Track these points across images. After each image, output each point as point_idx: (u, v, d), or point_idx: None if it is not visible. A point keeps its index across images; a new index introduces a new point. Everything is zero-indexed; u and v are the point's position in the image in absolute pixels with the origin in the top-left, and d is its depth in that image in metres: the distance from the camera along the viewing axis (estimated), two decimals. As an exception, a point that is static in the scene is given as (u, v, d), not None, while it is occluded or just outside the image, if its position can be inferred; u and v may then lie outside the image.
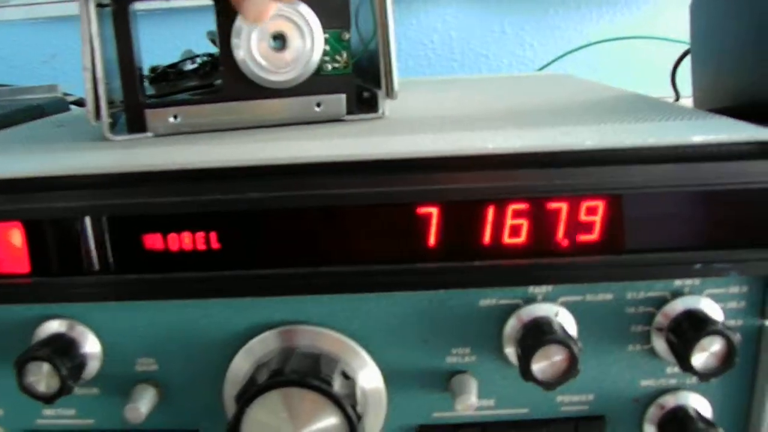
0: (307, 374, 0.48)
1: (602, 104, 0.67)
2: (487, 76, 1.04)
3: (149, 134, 0.59)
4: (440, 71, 1.41)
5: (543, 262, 0.49)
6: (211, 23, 0.60)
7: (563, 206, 0.48)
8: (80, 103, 1.04)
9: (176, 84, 0.71)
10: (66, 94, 1.05)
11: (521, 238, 0.49)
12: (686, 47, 0.88)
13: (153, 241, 0.49)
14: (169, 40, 0.74)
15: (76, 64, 0.59)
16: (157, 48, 0.71)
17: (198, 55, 0.77)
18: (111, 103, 0.59)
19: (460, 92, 0.85)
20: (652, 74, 1.05)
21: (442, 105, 0.74)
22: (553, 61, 1.24)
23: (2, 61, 1.40)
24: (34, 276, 0.50)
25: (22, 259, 0.50)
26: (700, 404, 0.53)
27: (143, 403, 0.52)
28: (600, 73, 1.13)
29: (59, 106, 0.95)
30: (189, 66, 0.76)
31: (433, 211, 0.48)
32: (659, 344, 0.51)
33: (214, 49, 0.74)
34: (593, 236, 0.49)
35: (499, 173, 0.48)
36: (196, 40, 0.78)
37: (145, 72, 0.69)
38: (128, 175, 0.49)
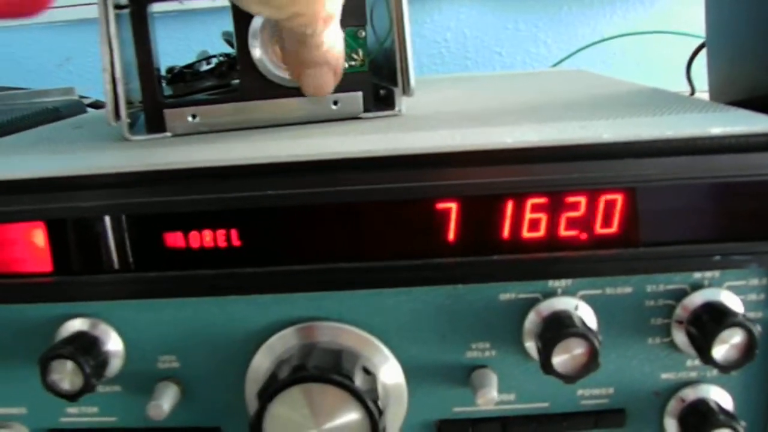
0: (328, 370, 0.48)
1: (617, 98, 0.67)
2: (501, 73, 1.04)
3: (168, 134, 0.60)
4: (454, 69, 1.41)
5: (562, 256, 0.49)
6: (224, 24, 0.61)
7: (582, 200, 0.49)
8: (96, 105, 1.05)
9: (193, 84, 0.72)
10: (82, 97, 1.05)
11: (540, 232, 0.49)
12: (700, 41, 0.88)
13: (174, 239, 0.50)
14: (183, 42, 0.74)
15: (91, 67, 0.59)
16: (172, 50, 0.72)
17: (213, 56, 0.77)
18: (129, 103, 0.59)
19: (474, 89, 0.86)
20: (666, 70, 1.05)
21: (458, 101, 0.74)
22: (567, 57, 1.24)
23: (18, 65, 1.41)
24: (57, 275, 0.51)
25: (45, 258, 0.50)
26: (721, 397, 0.53)
27: (165, 401, 0.52)
28: (614, 70, 1.13)
29: (76, 108, 0.96)
30: (205, 67, 0.77)
31: (452, 206, 0.49)
32: (679, 337, 0.51)
33: (229, 50, 0.75)
34: (612, 229, 0.49)
35: (518, 167, 0.48)
36: (210, 42, 0.79)
37: (162, 73, 0.70)
38: (149, 173, 0.49)
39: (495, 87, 0.87)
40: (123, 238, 0.50)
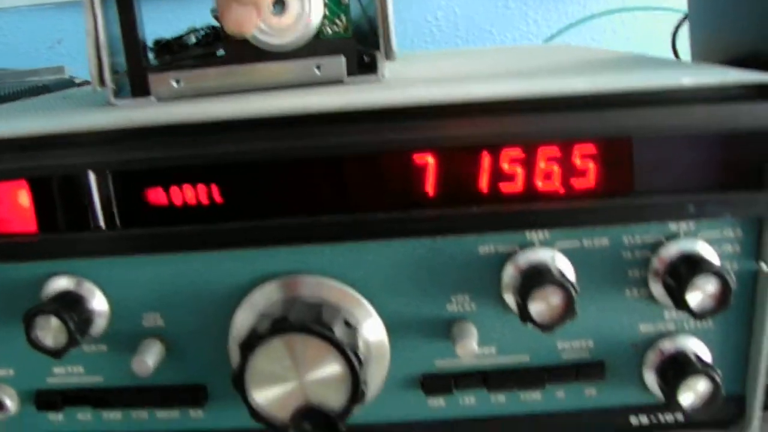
0: (308, 321, 0.48)
1: (601, 63, 0.68)
2: (489, 48, 1.05)
3: (152, 99, 0.60)
4: (445, 47, 1.41)
5: (538, 207, 0.50)
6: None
7: (556, 151, 0.49)
8: (86, 84, 1.05)
9: (180, 55, 0.72)
10: (72, 77, 1.06)
11: (517, 184, 0.50)
12: (683, 15, 0.89)
13: (156, 195, 0.50)
14: (173, 22, 0.75)
15: (82, 49, 0.60)
16: (162, 30, 0.72)
17: (200, 28, 0.78)
18: (116, 72, 0.60)
19: (461, 62, 0.86)
20: (654, 45, 1.05)
21: (443, 70, 0.74)
22: (556, 34, 1.24)
23: (8, 47, 1.41)
24: (41, 233, 0.51)
25: (29, 216, 0.51)
26: (698, 348, 0.54)
27: (150, 356, 0.53)
28: (603, 46, 1.13)
29: (66, 86, 0.96)
30: (192, 40, 0.77)
31: (430, 158, 0.49)
32: (656, 289, 0.52)
33: (217, 24, 0.75)
34: (588, 180, 0.50)
35: (492, 119, 0.49)
36: (200, 22, 0.79)
37: (149, 45, 0.70)
38: (130, 130, 0.50)
39: (481, 59, 0.87)
40: (106, 196, 0.51)
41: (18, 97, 0.83)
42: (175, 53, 0.73)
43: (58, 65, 1.05)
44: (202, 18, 0.74)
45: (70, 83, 0.99)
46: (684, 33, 0.92)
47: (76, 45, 1.32)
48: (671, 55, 1.02)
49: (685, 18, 0.92)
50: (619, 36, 1.30)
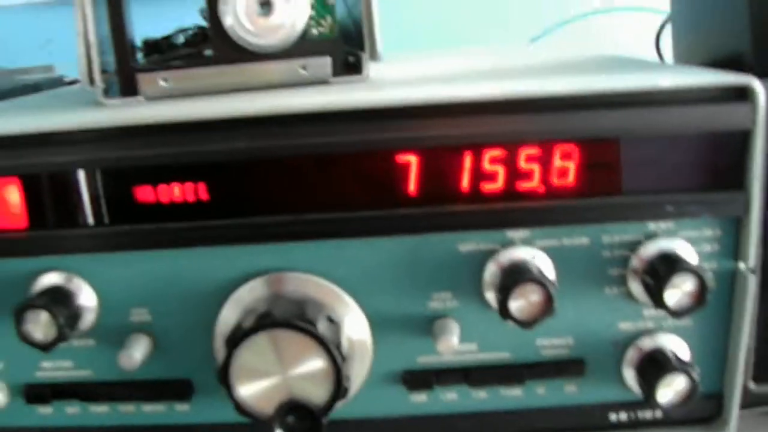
0: (292, 317, 0.49)
1: (583, 64, 0.69)
2: (472, 49, 1.05)
3: (140, 98, 0.61)
4: (429, 48, 1.41)
5: (519, 206, 0.51)
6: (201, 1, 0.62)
7: (537, 152, 0.50)
8: (76, 83, 1.06)
9: (168, 54, 0.73)
10: (62, 76, 1.06)
11: (498, 184, 0.51)
12: (666, 17, 0.90)
13: (144, 193, 0.51)
14: (161, 22, 0.75)
15: (72, 48, 0.60)
16: (150, 29, 0.73)
17: (188, 28, 0.79)
18: (104, 72, 0.61)
19: (445, 61, 0.87)
20: (638, 46, 1.06)
21: (425, 70, 0.75)
22: (541, 35, 1.25)
23: (-1, 46, 1.41)
24: (31, 230, 0.52)
25: (20, 213, 0.52)
26: (677, 346, 0.54)
27: (137, 350, 0.53)
28: (588, 47, 1.14)
29: (56, 85, 0.97)
30: (181, 39, 0.78)
31: (412, 158, 0.50)
32: (635, 287, 0.53)
33: (205, 24, 0.76)
34: (568, 180, 0.51)
35: (474, 120, 0.50)
36: (188, 21, 0.80)
37: (138, 45, 0.71)
38: (119, 128, 0.51)
39: (465, 60, 0.88)
40: (95, 193, 0.52)
41: (8, 96, 0.83)
42: (164, 53, 0.74)
43: (47, 64, 1.05)
44: (191, 18, 0.75)
45: (59, 82, 1.00)
46: (668, 34, 0.93)
47: (66, 45, 1.32)
48: (656, 57, 1.02)
49: (668, 20, 0.93)
50: (603, 37, 1.31)
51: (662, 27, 0.97)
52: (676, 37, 0.77)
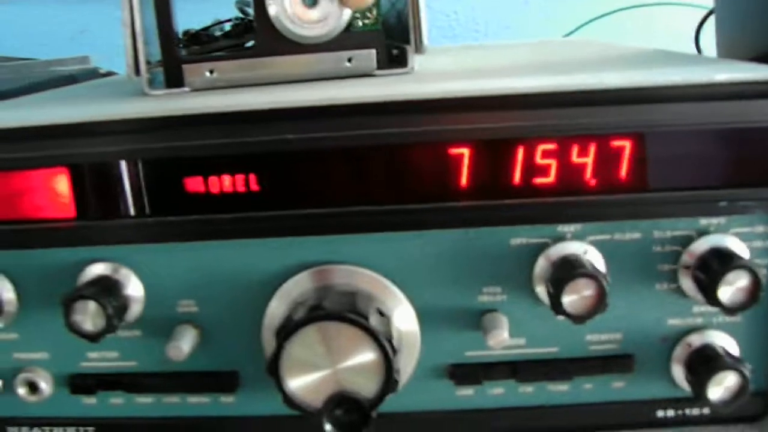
0: (344, 309, 0.49)
1: (626, 58, 0.68)
2: (509, 42, 1.05)
3: (186, 89, 0.61)
4: (463, 42, 1.41)
5: (571, 200, 0.51)
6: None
7: (591, 145, 0.50)
8: (112, 75, 1.06)
9: (209, 46, 0.73)
10: (97, 67, 1.06)
11: (550, 178, 0.50)
12: (705, 11, 0.90)
13: (194, 183, 0.51)
14: (194, 15, 0.75)
15: (104, 39, 0.61)
16: (184, 21, 0.73)
17: (228, 20, 0.79)
18: (147, 63, 0.61)
19: (484, 55, 0.87)
20: (674, 41, 1.06)
21: (468, 63, 0.75)
22: (576, 29, 1.25)
23: (31, 38, 1.41)
24: (80, 220, 0.52)
25: (68, 203, 0.52)
26: (726, 342, 0.54)
27: (185, 342, 0.53)
28: (624, 41, 1.13)
29: (92, 76, 0.97)
30: (218, 32, 0.78)
31: (465, 151, 0.50)
32: (686, 283, 0.53)
33: (243, 16, 0.76)
34: (621, 175, 0.50)
35: (528, 113, 0.49)
36: (222, 13, 0.80)
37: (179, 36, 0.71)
38: (171, 118, 0.51)
39: (504, 53, 0.88)
40: (145, 183, 0.51)
41: (46, 87, 0.83)
42: (204, 43, 0.74)
43: (83, 55, 1.05)
44: (215, 12, 0.76)
45: (95, 73, 1.00)
46: (707, 29, 0.93)
47: (98, 35, 1.33)
48: (693, 51, 1.02)
49: (709, 14, 0.92)
50: (638, 31, 1.30)
51: (703, 21, 0.96)
52: (720, 32, 0.77)
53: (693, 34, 1.01)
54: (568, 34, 1.27)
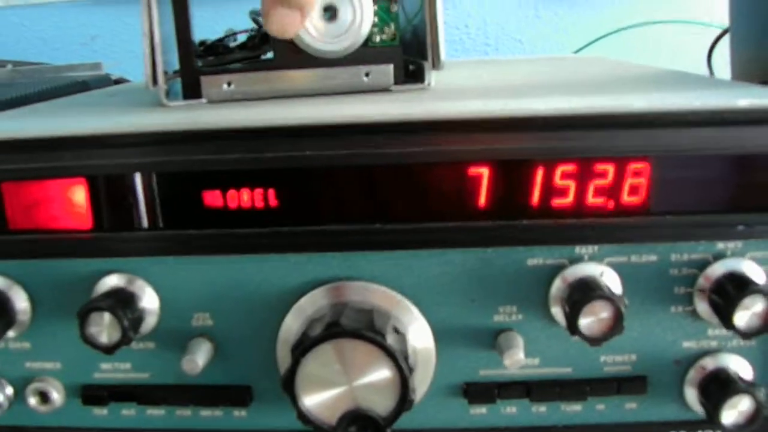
0: (360, 327, 0.49)
1: (642, 78, 0.68)
2: (521, 57, 1.05)
3: (203, 101, 0.61)
4: (474, 56, 1.42)
5: (589, 222, 0.51)
6: (251, 3, 0.62)
7: (610, 168, 0.50)
8: (121, 83, 1.06)
9: (225, 57, 0.73)
10: (108, 74, 1.07)
11: (568, 199, 0.50)
12: (719, 30, 0.90)
13: (212, 197, 0.51)
14: (206, 23, 0.75)
15: (115, 45, 0.61)
16: (198, 31, 0.73)
17: (242, 31, 0.79)
18: (164, 73, 0.61)
19: (497, 71, 0.87)
20: (685, 59, 1.06)
21: (483, 79, 0.75)
22: (587, 45, 1.25)
23: (43, 43, 1.42)
24: (96, 231, 0.52)
25: (85, 214, 0.52)
26: (741, 366, 0.54)
27: (200, 356, 0.53)
28: (633, 58, 1.14)
29: (104, 82, 0.97)
30: (232, 43, 0.78)
31: (484, 171, 0.50)
32: (701, 306, 0.53)
33: (255, 26, 0.77)
34: (638, 198, 0.50)
35: (548, 134, 0.49)
36: (234, 23, 0.80)
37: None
38: (191, 132, 0.51)
39: (517, 69, 0.88)
40: (163, 196, 0.51)
41: (57, 93, 0.83)
42: (220, 54, 0.74)
43: (95, 62, 1.05)
44: (226, 19, 0.76)
45: (107, 80, 1.00)
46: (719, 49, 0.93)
47: (110, 41, 1.33)
48: (704, 71, 1.02)
49: (723, 33, 0.92)
50: (649, 48, 1.30)
51: (717, 40, 0.96)
52: (735, 50, 0.77)
53: (703, 53, 1.01)
54: (578, 50, 1.27)
